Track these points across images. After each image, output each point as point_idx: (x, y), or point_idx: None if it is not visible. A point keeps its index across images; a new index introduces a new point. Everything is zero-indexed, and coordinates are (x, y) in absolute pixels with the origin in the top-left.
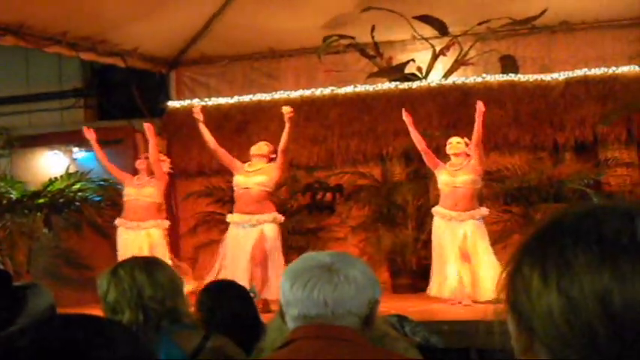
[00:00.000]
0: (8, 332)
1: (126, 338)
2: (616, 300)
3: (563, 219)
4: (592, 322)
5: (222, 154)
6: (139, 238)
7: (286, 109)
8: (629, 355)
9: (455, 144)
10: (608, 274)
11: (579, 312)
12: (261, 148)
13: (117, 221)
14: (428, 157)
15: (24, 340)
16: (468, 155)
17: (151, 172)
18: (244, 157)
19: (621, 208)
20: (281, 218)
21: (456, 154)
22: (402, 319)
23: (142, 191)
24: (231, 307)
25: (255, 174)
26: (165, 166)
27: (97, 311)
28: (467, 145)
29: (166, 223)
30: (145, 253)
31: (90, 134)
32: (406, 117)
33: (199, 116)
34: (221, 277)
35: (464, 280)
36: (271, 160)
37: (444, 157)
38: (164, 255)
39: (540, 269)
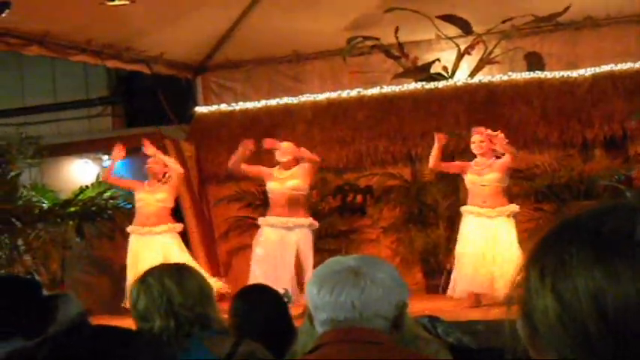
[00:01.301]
0: (32, 342)
1: (149, 349)
2: (609, 300)
3: (567, 220)
4: (585, 321)
5: (252, 171)
6: (153, 244)
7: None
8: (624, 355)
9: (478, 143)
10: (601, 274)
11: (572, 312)
12: (285, 153)
13: (129, 228)
14: (453, 169)
15: (45, 349)
16: (494, 151)
17: (161, 177)
18: (273, 161)
19: (622, 206)
20: (316, 224)
21: (481, 154)
22: (433, 320)
23: (154, 196)
24: (265, 312)
25: (287, 179)
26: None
27: (130, 319)
28: (490, 140)
29: (179, 227)
30: (160, 259)
31: (116, 151)
32: (438, 139)
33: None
34: (263, 281)
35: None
36: (298, 160)
37: (471, 155)
38: (183, 255)
39: (539, 269)
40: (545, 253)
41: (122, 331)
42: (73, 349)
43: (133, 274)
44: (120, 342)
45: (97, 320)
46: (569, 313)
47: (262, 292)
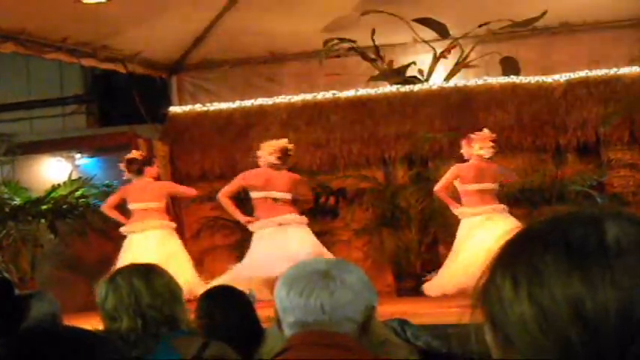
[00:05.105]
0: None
1: (113, 355)
2: (588, 306)
3: (531, 228)
4: (566, 329)
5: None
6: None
7: None
8: None
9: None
10: (578, 281)
11: (552, 320)
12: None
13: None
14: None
15: (7, 348)
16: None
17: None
18: (246, 161)
19: (587, 215)
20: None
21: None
22: (403, 323)
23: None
24: (232, 313)
25: None
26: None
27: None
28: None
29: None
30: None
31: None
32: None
33: None
34: None
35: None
36: None
37: (448, 158)
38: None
39: (511, 278)
40: (514, 262)
41: (88, 334)
42: (20, 352)
43: None
44: (82, 345)
45: (69, 317)
46: (549, 320)
47: (228, 293)
